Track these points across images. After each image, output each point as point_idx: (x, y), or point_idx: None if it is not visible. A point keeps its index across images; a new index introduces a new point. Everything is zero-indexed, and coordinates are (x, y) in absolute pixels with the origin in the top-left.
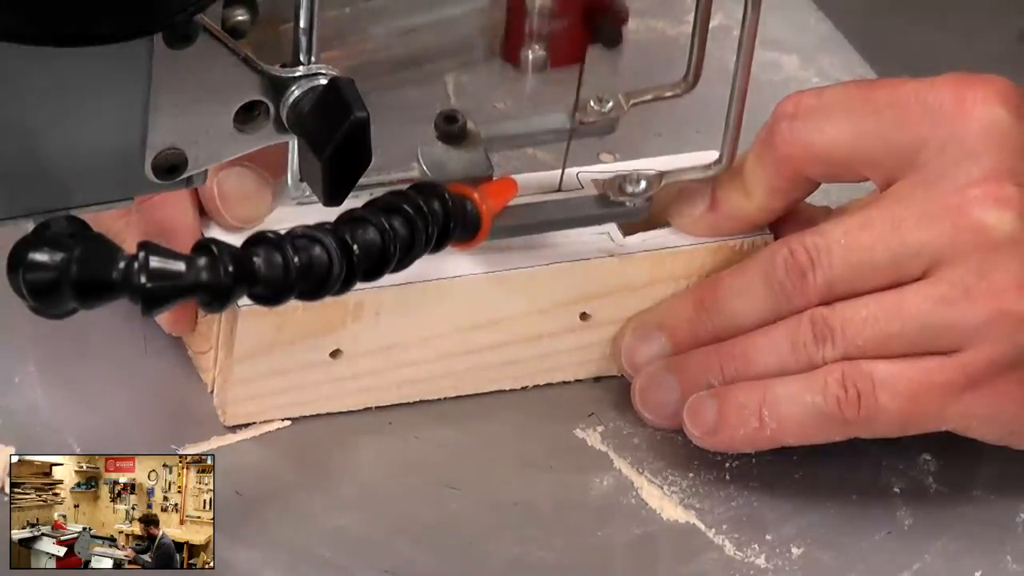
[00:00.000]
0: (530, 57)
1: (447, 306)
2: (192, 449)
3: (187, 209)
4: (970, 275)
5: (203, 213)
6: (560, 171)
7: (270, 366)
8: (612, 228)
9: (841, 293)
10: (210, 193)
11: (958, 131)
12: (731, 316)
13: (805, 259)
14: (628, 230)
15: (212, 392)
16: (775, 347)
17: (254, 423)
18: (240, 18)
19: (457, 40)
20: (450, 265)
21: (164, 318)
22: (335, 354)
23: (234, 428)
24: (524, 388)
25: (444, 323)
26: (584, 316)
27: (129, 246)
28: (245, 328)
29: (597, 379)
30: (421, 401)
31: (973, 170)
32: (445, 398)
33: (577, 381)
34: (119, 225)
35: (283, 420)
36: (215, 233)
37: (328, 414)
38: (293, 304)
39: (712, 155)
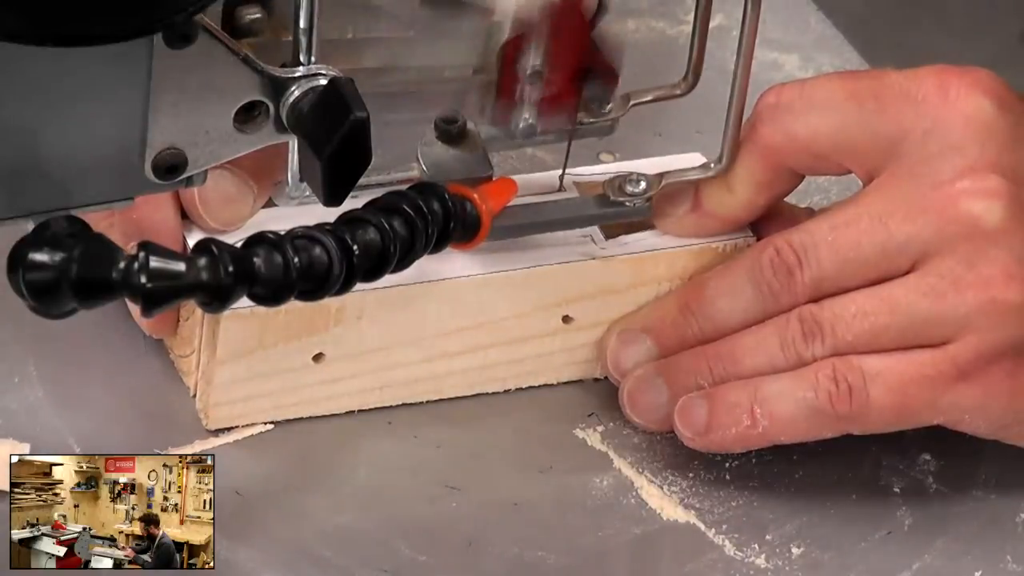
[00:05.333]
0: (519, 124)
1: (429, 310)
2: (193, 448)
3: (168, 211)
4: (958, 266)
5: (185, 216)
6: (560, 172)
7: (253, 369)
8: (594, 231)
9: (829, 290)
10: (191, 196)
11: (941, 122)
12: (718, 317)
13: (792, 257)
14: (610, 232)
15: (194, 396)
16: (764, 346)
17: (245, 425)
18: (253, 16)
19: (450, 89)
20: (432, 268)
21: (145, 321)
22: (318, 358)
23: (231, 429)
24: (508, 391)
25: (426, 327)
26: (566, 319)
27: None
28: (228, 331)
29: (596, 380)
30: (419, 401)
31: (957, 161)
32: (443, 399)
33: (577, 381)
34: (103, 226)
35: (265, 424)
36: (197, 236)
37: (326, 415)
38: (276, 307)
39: (697, 157)
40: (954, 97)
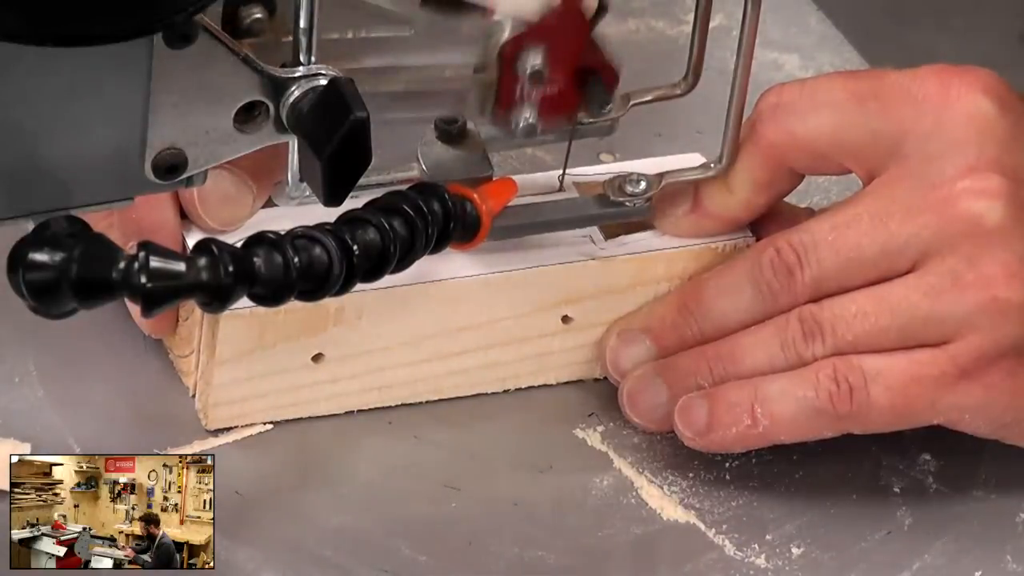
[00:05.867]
0: (520, 123)
1: (429, 310)
2: (193, 448)
3: (168, 211)
4: (959, 265)
5: (184, 216)
6: (561, 172)
7: (252, 370)
8: (594, 231)
9: (829, 290)
10: (190, 195)
11: (942, 121)
12: (717, 317)
13: (792, 257)
14: (610, 233)
15: (194, 396)
16: (764, 346)
17: (245, 425)
18: (256, 16)
19: (450, 88)
20: (432, 268)
21: (145, 321)
22: (317, 358)
23: (231, 429)
24: (508, 391)
25: (426, 327)
26: (566, 319)
27: None
28: (227, 331)
29: (596, 380)
30: (419, 402)
31: (958, 161)
32: (443, 399)
33: (577, 381)
34: (102, 226)
35: (265, 424)
36: (195, 235)
37: (326, 415)
38: (275, 307)
39: (697, 157)
40: (955, 97)
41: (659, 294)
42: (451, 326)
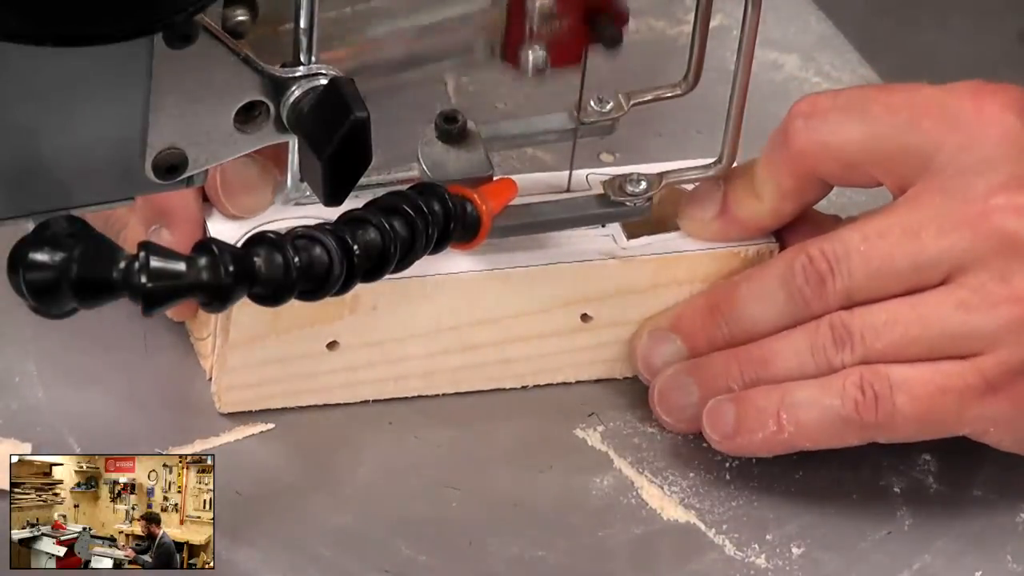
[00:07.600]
0: (530, 58)
1: (446, 302)
2: (193, 448)
3: (188, 195)
4: (991, 281)
5: (206, 200)
6: (568, 172)
7: (266, 354)
8: (616, 230)
9: (860, 299)
10: (212, 181)
11: (975, 138)
12: (748, 321)
13: (824, 266)
14: (633, 232)
15: (210, 379)
16: (794, 352)
17: (254, 420)
18: (240, 18)
19: (457, 41)
20: (450, 261)
21: None
22: (332, 345)
23: (234, 427)
24: (523, 388)
25: (442, 319)
26: (585, 317)
27: (132, 229)
28: (241, 316)
29: (597, 380)
30: (421, 400)
31: (991, 177)
32: (445, 396)
33: (578, 382)
34: (123, 210)
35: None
36: (216, 220)
37: (328, 413)
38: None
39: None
40: (988, 114)
41: (680, 296)
42: (468, 319)
